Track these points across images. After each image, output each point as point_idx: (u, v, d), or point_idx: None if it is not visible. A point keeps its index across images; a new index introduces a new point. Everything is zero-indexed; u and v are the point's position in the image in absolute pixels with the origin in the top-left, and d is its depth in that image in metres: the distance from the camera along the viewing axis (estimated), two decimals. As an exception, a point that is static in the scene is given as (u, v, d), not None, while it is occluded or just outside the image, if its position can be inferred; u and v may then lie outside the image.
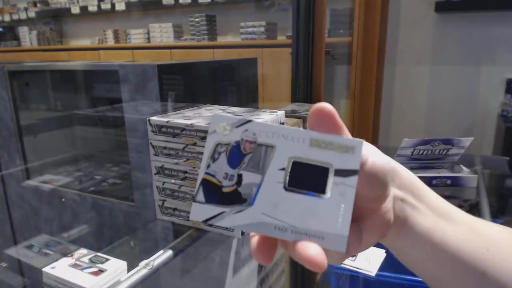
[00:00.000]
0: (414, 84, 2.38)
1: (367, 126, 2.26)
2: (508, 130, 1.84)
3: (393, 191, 0.29)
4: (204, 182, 0.25)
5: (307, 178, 0.24)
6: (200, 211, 0.25)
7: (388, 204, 0.28)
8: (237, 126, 0.25)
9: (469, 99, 2.25)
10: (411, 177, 0.31)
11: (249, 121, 0.25)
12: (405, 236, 0.31)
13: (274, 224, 0.24)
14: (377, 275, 0.79)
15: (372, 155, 0.26)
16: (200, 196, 0.25)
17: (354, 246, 0.26)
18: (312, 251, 0.22)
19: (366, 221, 0.27)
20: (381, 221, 0.27)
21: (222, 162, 0.25)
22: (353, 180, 0.24)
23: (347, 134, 0.26)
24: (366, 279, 0.80)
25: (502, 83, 2.14)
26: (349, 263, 0.84)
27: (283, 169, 0.24)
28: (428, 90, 2.35)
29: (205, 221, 0.25)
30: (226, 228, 0.71)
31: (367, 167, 0.26)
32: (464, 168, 1.10)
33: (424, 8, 2.25)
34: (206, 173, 0.25)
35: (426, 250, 0.31)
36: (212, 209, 0.25)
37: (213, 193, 0.25)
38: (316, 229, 0.24)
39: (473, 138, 1.06)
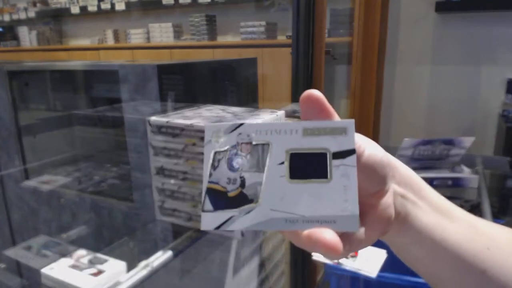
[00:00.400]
0: (415, 84, 2.38)
1: (367, 126, 2.25)
2: (509, 130, 1.83)
3: (393, 187, 0.29)
4: (209, 191, 0.26)
5: (307, 167, 0.25)
6: (210, 220, 0.25)
7: (388, 200, 0.27)
8: (231, 131, 0.26)
9: (470, 99, 2.25)
10: (410, 174, 0.31)
11: (241, 124, 0.26)
12: (405, 233, 0.30)
13: (284, 218, 0.24)
14: (377, 276, 0.79)
15: (368, 147, 0.26)
16: (208, 205, 0.25)
17: (356, 243, 0.26)
18: (327, 236, 0.22)
19: (367, 217, 0.27)
20: (382, 217, 0.27)
21: (223, 168, 0.26)
22: (352, 159, 0.24)
23: (337, 118, 0.26)
24: (367, 280, 0.80)
25: (503, 83, 2.14)
26: (349, 264, 0.83)
27: (282, 163, 0.25)
28: (428, 90, 2.35)
29: (217, 227, 0.25)
30: (226, 229, 0.71)
31: (364, 159, 0.26)
32: (465, 169, 1.09)
33: (424, 8, 2.25)
34: (209, 181, 0.26)
35: (426, 247, 0.31)
36: (222, 215, 0.25)
37: (220, 199, 0.25)
38: (326, 214, 0.24)
39: (474, 138, 1.05)
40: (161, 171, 0.73)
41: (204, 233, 0.74)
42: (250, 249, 0.90)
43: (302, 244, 0.24)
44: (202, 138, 0.67)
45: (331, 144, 0.24)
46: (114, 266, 0.72)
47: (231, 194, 0.25)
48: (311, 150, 0.25)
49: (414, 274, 0.34)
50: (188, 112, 0.77)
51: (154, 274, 0.65)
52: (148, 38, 3.57)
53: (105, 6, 3.65)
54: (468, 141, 1.06)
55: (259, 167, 0.25)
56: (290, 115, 1.11)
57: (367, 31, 2.15)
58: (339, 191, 0.24)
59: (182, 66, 1.04)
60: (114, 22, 3.87)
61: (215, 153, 0.26)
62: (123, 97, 0.91)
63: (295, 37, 1.36)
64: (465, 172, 1.08)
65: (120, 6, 3.57)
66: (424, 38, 2.30)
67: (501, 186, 1.21)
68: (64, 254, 0.77)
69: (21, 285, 0.98)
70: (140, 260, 0.67)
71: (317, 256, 0.83)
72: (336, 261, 0.82)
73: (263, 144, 0.25)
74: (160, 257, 0.68)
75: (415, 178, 0.31)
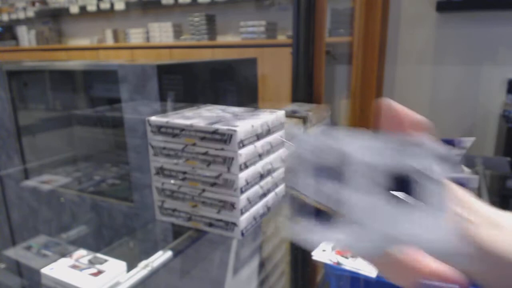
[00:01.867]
0: (415, 84, 2.38)
1: (367, 127, 2.25)
2: (510, 131, 1.83)
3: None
4: (303, 204, 0.26)
5: (403, 189, 0.25)
6: (303, 231, 0.26)
7: None
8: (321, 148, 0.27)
9: (470, 99, 2.24)
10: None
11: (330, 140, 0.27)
12: None
13: (378, 237, 0.24)
14: (378, 276, 0.79)
15: None
16: (300, 218, 0.26)
17: None
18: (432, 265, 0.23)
19: None
20: None
21: (317, 182, 0.26)
22: (446, 187, 0.25)
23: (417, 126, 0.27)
24: (367, 280, 0.80)
25: (504, 83, 2.14)
26: (349, 264, 0.83)
27: (379, 183, 0.25)
28: (429, 90, 2.35)
29: (309, 241, 0.26)
30: (226, 229, 0.71)
31: None
32: (465, 169, 1.09)
33: (425, 7, 2.25)
34: (302, 193, 0.26)
35: None
36: (311, 228, 0.26)
37: (311, 213, 0.26)
38: (421, 237, 0.24)
39: (474, 138, 1.05)
40: (160, 171, 0.73)
41: (204, 233, 0.74)
42: (250, 249, 0.90)
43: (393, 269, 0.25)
44: (202, 138, 0.67)
45: (431, 167, 0.25)
46: (114, 266, 0.72)
47: (322, 207, 0.26)
48: (409, 172, 0.25)
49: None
50: (188, 112, 0.77)
51: (154, 274, 0.65)
52: (147, 38, 3.57)
53: (104, 5, 3.64)
54: (468, 141, 1.06)
55: (353, 185, 0.25)
56: (290, 115, 1.11)
57: (367, 31, 2.15)
58: (431, 216, 0.24)
59: (182, 66, 1.04)
60: (113, 22, 3.86)
61: (306, 166, 0.26)
62: (123, 97, 0.91)
63: (296, 37, 1.36)
64: (465, 173, 1.07)
65: (119, 6, 3.56)
66: (425, 38, 2.29)
67: (502, 187, 1.21)
68: (64, 254, 0.77)
69: (21, 285, 0.97)
70: (140, 260, 0.67)
71: (317, 256, 0.83)
72: (335, 261, 0.82)
73: (356, 162, 0.26)
74: (160, 257, 0.67)
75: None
